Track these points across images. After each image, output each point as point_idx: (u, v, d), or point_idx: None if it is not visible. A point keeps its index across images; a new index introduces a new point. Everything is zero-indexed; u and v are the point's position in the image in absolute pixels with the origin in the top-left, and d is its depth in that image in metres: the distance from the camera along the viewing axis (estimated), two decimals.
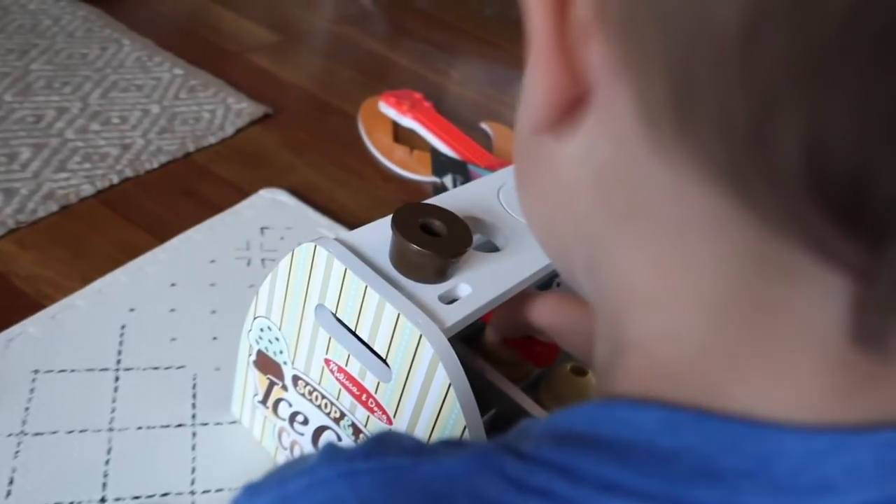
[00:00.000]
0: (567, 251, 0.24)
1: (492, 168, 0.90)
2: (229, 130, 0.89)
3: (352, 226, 0.77)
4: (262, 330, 0.49)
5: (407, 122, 0.97)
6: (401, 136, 0.98)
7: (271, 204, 0.79)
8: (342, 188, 0.87)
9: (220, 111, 0.92)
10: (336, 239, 0.42)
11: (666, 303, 0.19)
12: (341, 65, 1.18)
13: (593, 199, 0.21)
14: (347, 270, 0.40)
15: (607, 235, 0.21)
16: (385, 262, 0.42)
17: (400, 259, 0.41)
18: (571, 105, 0.19)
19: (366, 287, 0.40)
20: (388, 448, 0.20)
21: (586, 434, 0.19)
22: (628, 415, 0.19)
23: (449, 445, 0.20)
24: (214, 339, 0.62)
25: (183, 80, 0.96)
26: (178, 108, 0.91)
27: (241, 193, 0.80)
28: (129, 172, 0.78)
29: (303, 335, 0.46)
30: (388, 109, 0.98)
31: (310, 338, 0.45)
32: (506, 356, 0.54)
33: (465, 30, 1.52)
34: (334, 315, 0.43)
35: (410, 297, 0.40)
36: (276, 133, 0.93)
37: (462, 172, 0.89)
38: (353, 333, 0.43)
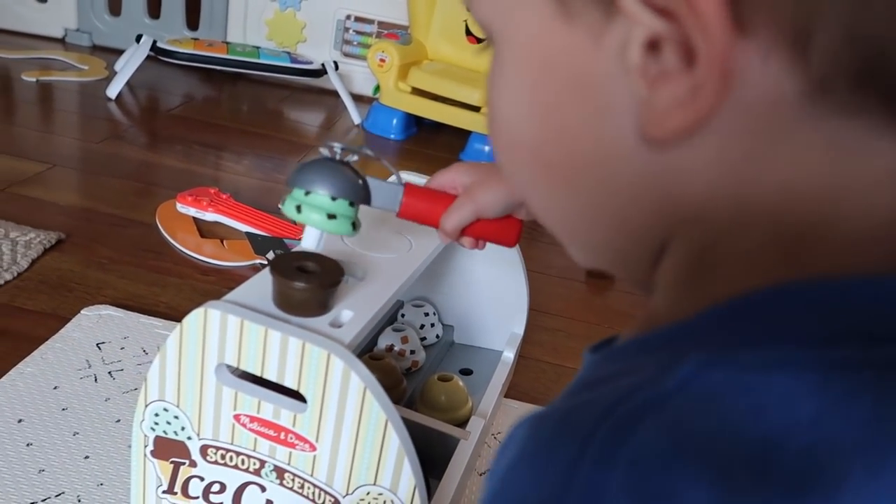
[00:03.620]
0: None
1: None
2: (24, 264, 0.85)
3: None
4: (156, 415, 0.50)
5: (210, 216, 0.99)
6: (206, 230, 1.00)
7: (98, 320, 0.77)
8: (164, 290, 0.87)
9: (6, 247, 0.87)
10: (222, 300, 0.46)
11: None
12: (118, 179, 1.17)
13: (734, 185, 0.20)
14: (244, 321, 0.44)
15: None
16: (271, 308, 0.46)
17: (285, 301, 0.46)
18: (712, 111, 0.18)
19: (266, 330, 0.44)
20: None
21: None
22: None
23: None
24: (87, 458, 0.60)
25: None
26: None
27: (61, 320, 0.77)
28: None
29: (205, 402, 0.48)
30: (186, 209, 1.00)
31: (213, 401, 0.48)
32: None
33: (228, 126, 1.57)
34: (236, 370, 0.46)
35: (306, 328, 0.45)
36: (76, 256, 0.90)
37: (281, 247, 0.93)
38: (259, 380, 0.46)
